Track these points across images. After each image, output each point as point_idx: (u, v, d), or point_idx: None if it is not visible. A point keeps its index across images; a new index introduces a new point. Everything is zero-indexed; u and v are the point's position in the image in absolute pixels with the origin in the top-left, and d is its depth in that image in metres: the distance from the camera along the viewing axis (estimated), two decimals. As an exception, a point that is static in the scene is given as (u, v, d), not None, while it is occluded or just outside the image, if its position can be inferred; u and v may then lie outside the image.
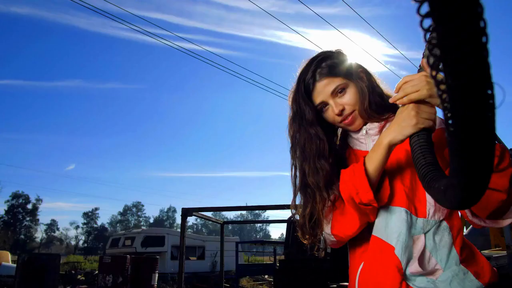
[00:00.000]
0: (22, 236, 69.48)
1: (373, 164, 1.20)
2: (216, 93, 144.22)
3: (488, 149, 0.64)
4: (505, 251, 5.86)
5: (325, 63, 1.42)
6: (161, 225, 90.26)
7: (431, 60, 0.56)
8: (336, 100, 1.39)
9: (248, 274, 19.69)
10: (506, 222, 1.19)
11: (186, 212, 3.88)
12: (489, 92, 0.55)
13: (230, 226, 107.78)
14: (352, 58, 1.46)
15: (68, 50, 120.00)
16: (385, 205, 1.27)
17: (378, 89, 1.45)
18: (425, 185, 0.94)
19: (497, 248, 9.69)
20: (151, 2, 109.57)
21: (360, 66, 1.46)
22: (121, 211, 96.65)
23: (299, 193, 1.44)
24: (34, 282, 9.35)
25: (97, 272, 13.85)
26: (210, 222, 7.23)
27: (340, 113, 1.39)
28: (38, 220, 71.04)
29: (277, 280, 7.43)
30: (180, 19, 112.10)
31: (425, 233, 1.24)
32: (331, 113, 1.41)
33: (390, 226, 1.26)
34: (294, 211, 1.46)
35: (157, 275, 11.60)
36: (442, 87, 0.57)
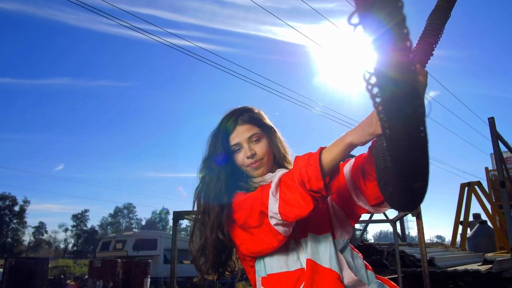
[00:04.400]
0: (9, 239, 69.19)
1: (330, 156, 1.29)
2: (210, 91, 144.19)
3: (417, 155, 0.74)
4: (509, 254, 5.88)
5: (248, 114, 1.72)
6: (154, 227, 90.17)
7: (367, 75, 0.65)
8: (250, 145, 1.66)
9: (244, 278, 19.65)
10: (383, 210, 1.55)
11: (178, 216, 3.84)
12: (418, 102, 0.65)
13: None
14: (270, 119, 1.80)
15: (57, 47, 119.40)
16: (315, 234, 1.56)
17: (282, 149, 1.76)
18: (381, 188, 1.07)
19: (502, 251, 9.73)
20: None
21: (273, 128, 1.77)
22: (112, 213, 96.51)
23: (197, 227, 1.70)
24: (21, 287, 9.31)
25: (87, 276, 13.82)
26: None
27: (251, 156, 1.64)
28: (25, 222, 70.81)
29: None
30: (172, 14, 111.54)
31: (340, 251, 1.56)
32: (242, 155, 1.66)
33: (321, 251, 1.53)
34: (192, 245, 1.72)
35: (149, 279, 11.60)
36: (377, 100, 0.66)
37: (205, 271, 1.67)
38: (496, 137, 5.06)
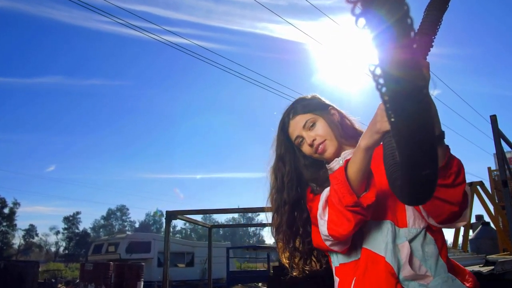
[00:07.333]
0: (-2, 243, 69.07)
1: (354, 166, 1.34)
2: (206, 89, 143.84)
3: (423, 143, 0.76)
4: (512, 256, 5.89)
5: (298, 104, 1.74)
6: (147, 230, 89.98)
7: (374, 74, 0.65)
8: (308, 133, 1.66)
9: (240, 281, 19.70)
10: (459, 225, 1.46)
11: (171, 216, 3.84)
12: (421, 83, 0.66)
13: (221, 231, 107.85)
14: (326, 99, 1.80)
15: (49, 45, 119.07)
16: (374, 220, 1.49)
17: (347, 122, 1.76)
18: (391, 183, 1.06)
19: (505, 252, 9.76)
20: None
21: (330, 105, 1.77)
22: (105, 215, 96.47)
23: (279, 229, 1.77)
24: (10, 291, 9.29)
25: (78, 280, 13.81)
26: (200, 226, 7.24)
27: (312, 143, 1.64)
28: (15, 225, 70.30)
29: (270, 288, 7.45)
30: (167, 11, 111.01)
31: (409, 241, 1.45)
32: (306, 146, 1.67)
33: (378, 238, 1.48)
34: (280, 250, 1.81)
35: (142, 283, 11.58)
36: (381, 81, 0.66)
37: (293, 264, 1.78)
38: (498, 136, 5.08)
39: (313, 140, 1.64)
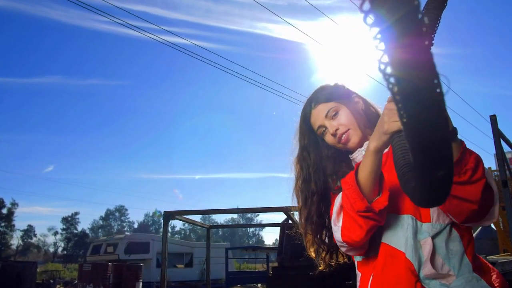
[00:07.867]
0: (-4, 243, 68.99)
1: (365, 169, 1.30)
2: (205, 89, 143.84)
3: (438, 141, 0.73)
4: (513, 256, 5.88)
5: (320, 92, 1.67)
6: (146, 230, 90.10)
7: (385, 74, 0.64)
8: (330, 122, 1.59)
9: (239, 282, 19.69)
10: (487, 223, 1.40)
11: (169, 216, 3.84)
12: (435, 81, 0.63)
13: (220, 232, 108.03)
14: (350, 86, 1.72)
15: (47, 44, 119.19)
16: (393, 214, 1.42)
17: (372, 110, 1.69)
18: (403, 185, 1.03)
19: (505, 253, 9.75)
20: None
21: (354, 93, 1.70)
22: (103, 215, 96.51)
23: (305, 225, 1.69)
24: (8, 291, 9.28)
25: (76, 281, 13.79)
26: (200, 227, 7.24)
27: (335, 133, 1.58)
28: (13, 225, 70.39)
29: (270, 289, 7.43)
30: (165, 11, 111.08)
31: (432, 237, 1.37)
32: (329, 135, 1.61)
33: (398, 233, 1.41)
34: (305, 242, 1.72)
35: (141, 283, 11.57)
36: (392, 80, 0.64)
37: (323, 258, 1.71)
38: (498, 135, 5.07)
39: (336, 130, 1.57)
